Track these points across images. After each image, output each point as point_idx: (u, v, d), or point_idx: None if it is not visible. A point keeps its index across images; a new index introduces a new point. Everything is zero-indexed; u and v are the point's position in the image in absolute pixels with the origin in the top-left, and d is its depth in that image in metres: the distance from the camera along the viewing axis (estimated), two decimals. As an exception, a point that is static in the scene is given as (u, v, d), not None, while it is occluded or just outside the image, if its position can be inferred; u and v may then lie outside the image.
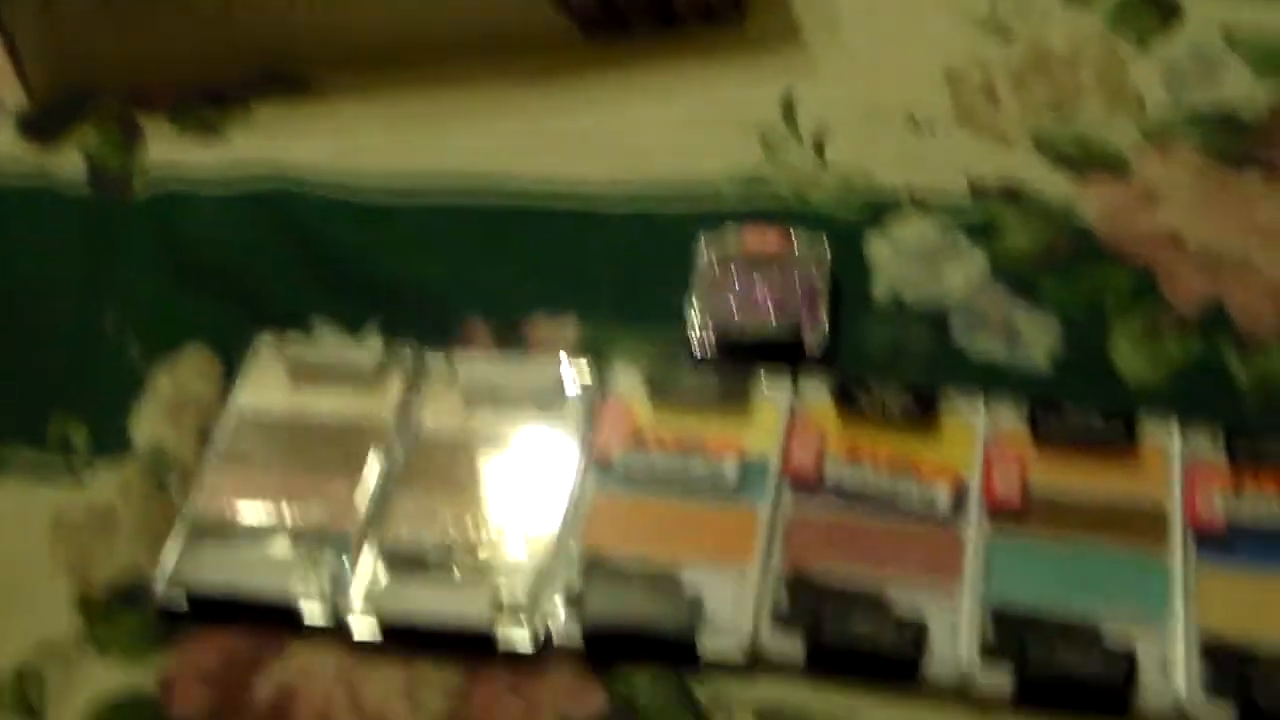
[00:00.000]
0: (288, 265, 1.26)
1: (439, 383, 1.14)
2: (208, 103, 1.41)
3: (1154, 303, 1.19)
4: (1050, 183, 1.30)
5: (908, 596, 1.00)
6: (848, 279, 1.22)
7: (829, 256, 1.21)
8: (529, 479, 1.08)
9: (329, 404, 1.13)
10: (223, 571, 1.02)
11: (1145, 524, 1.03)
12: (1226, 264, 1.21)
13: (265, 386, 1.14)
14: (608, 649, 0.99)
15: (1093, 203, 1.28)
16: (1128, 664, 0.95)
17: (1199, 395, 1.13)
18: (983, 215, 1.27)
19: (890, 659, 0.97)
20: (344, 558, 1.03)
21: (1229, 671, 0.95)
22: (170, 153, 1.37)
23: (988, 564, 1.02)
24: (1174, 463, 1.06)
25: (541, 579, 1.02)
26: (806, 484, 1.06)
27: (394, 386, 1.13)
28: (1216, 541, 1.02)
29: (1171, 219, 1.26)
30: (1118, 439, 1.07)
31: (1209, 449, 1.07)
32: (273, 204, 1.31)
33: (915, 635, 0.97)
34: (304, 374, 1.14)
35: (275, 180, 1.33)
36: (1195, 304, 1.19)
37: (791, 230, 1.23)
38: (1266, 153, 1.31)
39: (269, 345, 1.17)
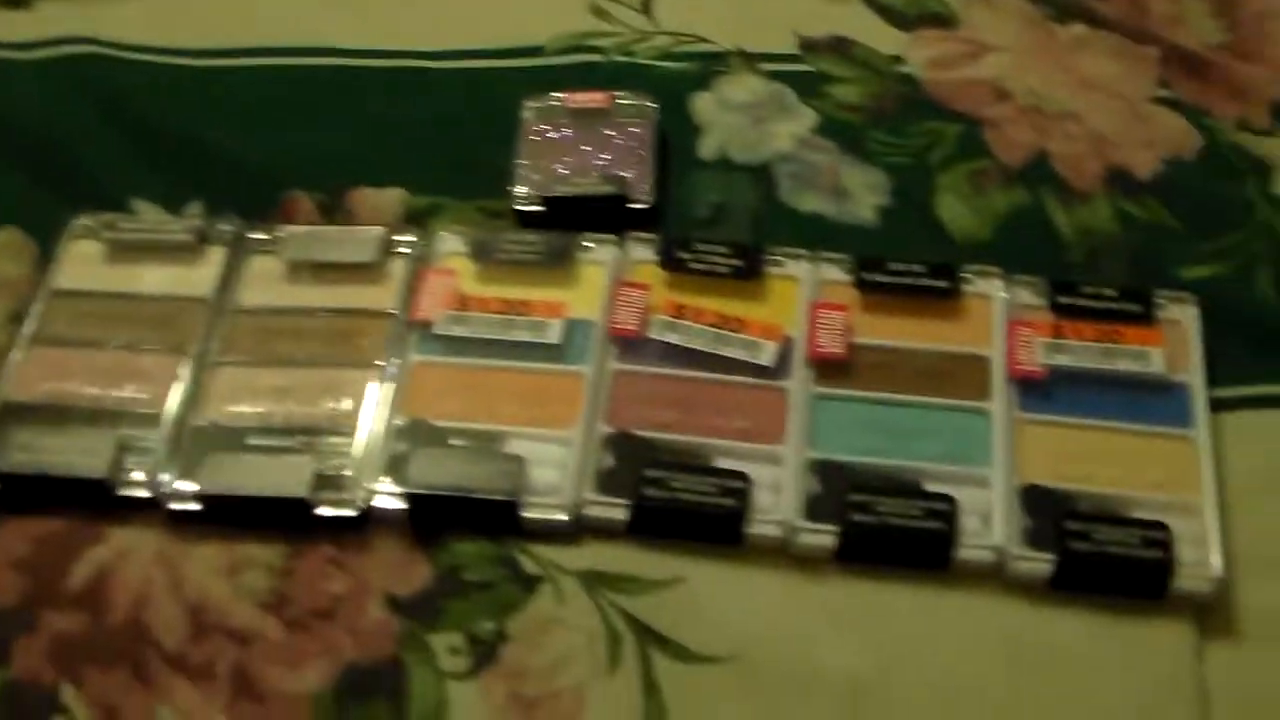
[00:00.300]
0: (103, 137, 1.23)
1: (260, 256, 1.12)
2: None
3: (979, 155, 1.19)
4: (879, 36, 1.30)
5: (733, 455, 1.01)
6: (676, 137, 1.21)
7: (656, 115, 1.20)
8: (351, 349, 1.06)
9: (147, 281, 1.11)
10: (36, 453, 1.00)
11: (968, 375, 1.04)
12: (1051, 115, 1.22)
13: (81, 266, 1.12)
14: (432, 518, 0.99)
15: (920, 55, 1.27)
16: (949, 516, 0.96)
17: (1022, 246, 1.14)
18: (811, 71, 1.27)
19: (714, 519, 0.97)
20: (163, 436, 1.02)
21: (1048, 520, 0.96)
22: (-25, 26, 1.33)
23: (812, 419, 1.02)
24: (997, 313, 1.07)
25: (364, 449, 1.01)
26: (631, 344, 1.06)
27: (214, 261, 1.11)
28: (1037, 390, 1.03)
29: (997, 71, 1.26)
30: (941, 291, 1.07)
31: (1031, 299, 1.08)
32: (86, 74, 1.28)
33: (740, 494, 0.97)
34: (121, 252, 1.12)
35: (88, 49, 1.30)
36: (1020, 156, 1.19)
37: (618, 89, 1.21)
38: (1091, 4, 1.31)
39: (85, 224, 1.14)
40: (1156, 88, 1.25)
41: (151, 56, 1.29)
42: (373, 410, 1.03)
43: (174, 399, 1.03)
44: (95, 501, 1.00)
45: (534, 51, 1.29)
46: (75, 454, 1.00)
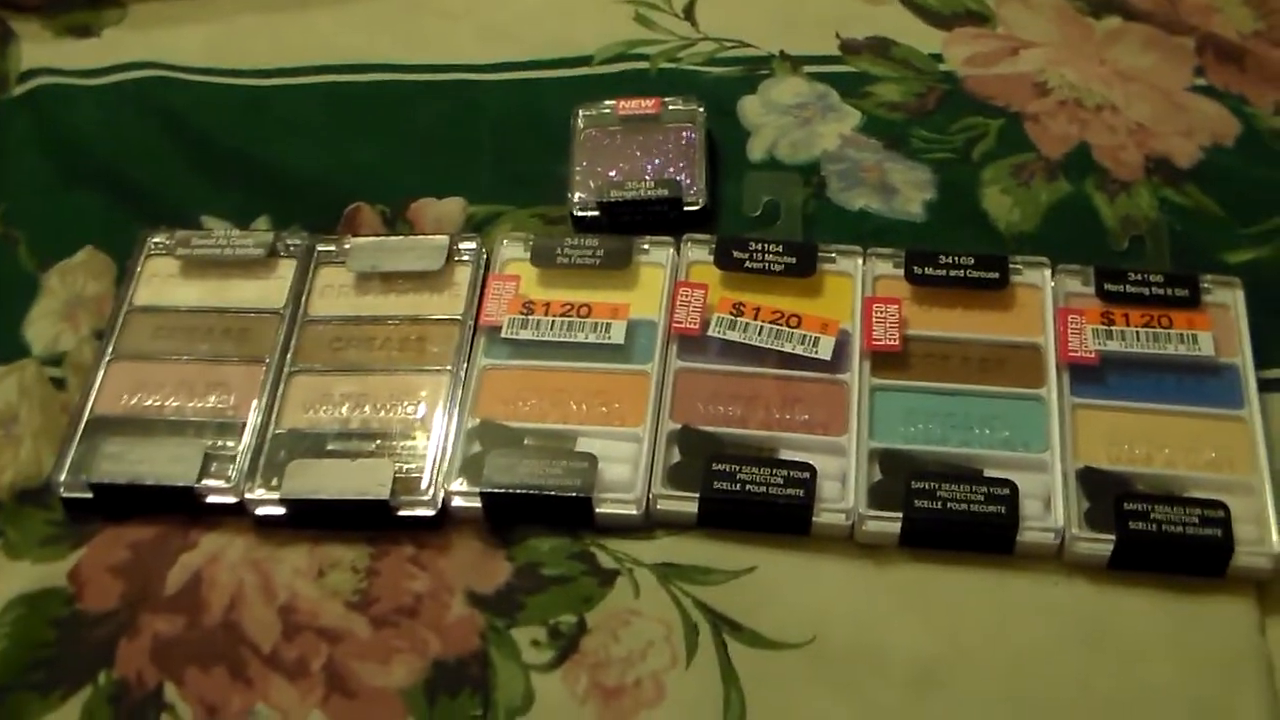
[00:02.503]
0: (172, 158, 1.26)
1: (328, 267, 1.15)
2: (80, 2, 1.40)
3: (1021, 149, 1.22)
4: (917, 35, 1.32)
5: (797, 446, 1.03)
6: (724, 141, 1.24)
7: (704, 118, 1.23)
8: (421, 355, 1.09)
9: (221, 295, 1.14)
10: (125, 464, 1.03)
11: (1021, 363, 1.07)
12: (1090, 108, 1.24)
13: (157, 282, 1.15)
14: (508, 516, 1.02)
15: (959, 53, 1.30)
16: (1010, 502, 0.98)
17: (1068, 236, 1.16)
18: (853, 71, 1.30)
19: (782, 509, 0.99)
20: (244, 444, 1.05)
21: (1107, 502, 0.98)
22: (45, 54, 1.36)
23: (871, 410, 1.05)
24: (1046, 302, 1.09)
25: (438, 451, 1.04)
26: (692, 342, 1.08)
27: (284, 274, 1.14)
28: (1089, 376, 1.05)
29: (1035, 65, 1.29)
30: (991, 282, 1.10)
31: (1079, 288, 1.10)
32: (152, 97, 1.31)
33: (806, 485, 0.99)
34: (195, 267, 1.15)
35: (153, 74, 1.33)
36: (1061, 148, 1.21)
37: (666, 95, 1.24)
38: (1125, -5, 1.34)
39: (159, 241, 1.17)
40: (1193, 76, 1.27)
41: (213, 78, 1.33)
42: (445, 413, 1.06)
43: (254, 408, 1.07)
44: (184, 508, 1.03)
45: (583, 61, 1.32)
46: (164, 463, 1.03)
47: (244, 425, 1.06)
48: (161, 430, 1.06)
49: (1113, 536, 0.97)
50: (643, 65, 1.31)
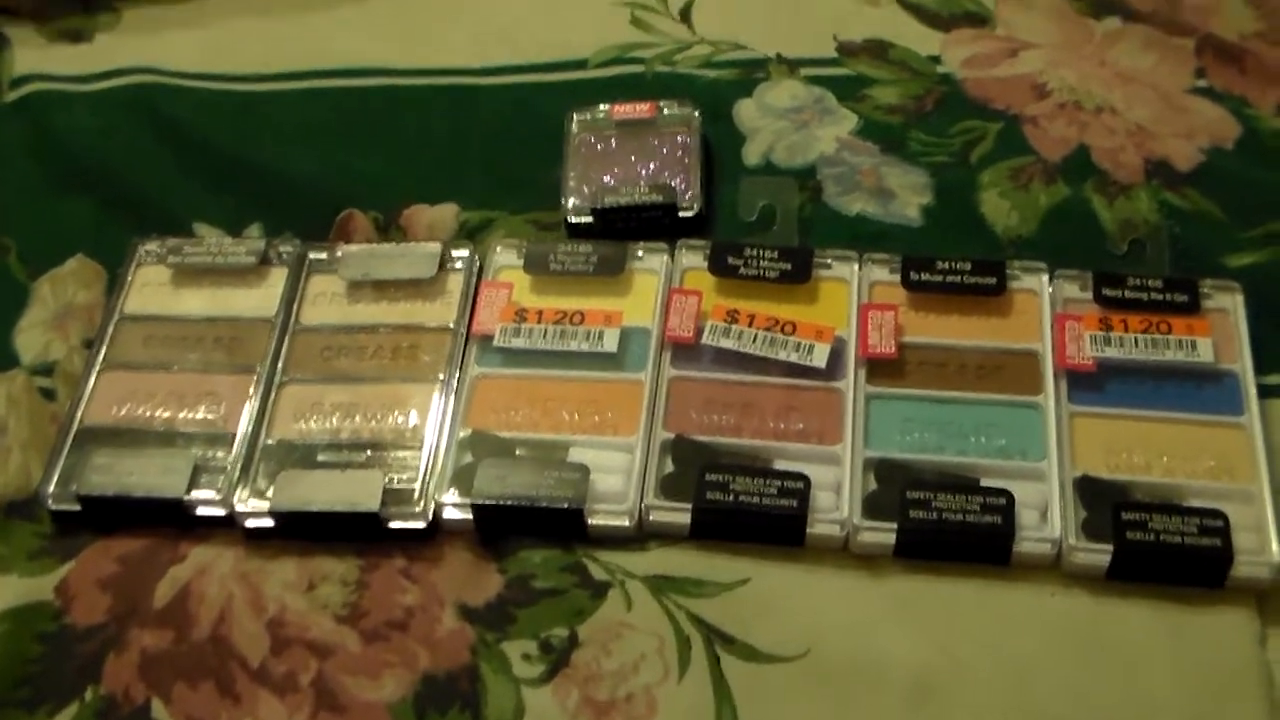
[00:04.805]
0: (164, 164, 1.26)
1: (320, 275, 1.14)
2: (74, 8, 1.39)
3: (1020, 151, 1.21)
4: (915, 37, 1.31)
5: (791, 456, 1.02)
6: (720, 144, 1.23)
7: (700, 123, 1.22)
8: (413, 364, 1.09)
9: (212, 304, 1.13)
10: (114, 475, 1.02)
11: (1018, 370, 1.06)
12: (1089, 110, 1.23)
13: (148, 290, 1.15)
14: (499, 528, 1.01)
15: (957, 55, 1.29)
16: (1007, 511, 0.97)
17: (1067, 241, 1.15)
18: (850, 74, 1.29)
19: (776, 520, 0.98)
20: (236, 455, 1.04)
21: (1105, 511, 0.97)
22: (39, 60, 1.36)
23: (867, 418, 1.04)
24: (1044, 308, 1.08)
25: (429, 462, 1.03)
26: (686, 350, 1.07)
27: (276, 282, 1.14)
28: (1087, 383, 1.04)
29: (1034, 67, 1.28)
30: (988, 288, 1.09)
31: (1077, 293, 1.09)
32: (145, 103, 1.30)
33: (800, 495, 0.98)
34: (187, 275, 1.15)
35: (145, 79, 1.33)
36: (1060, 150, 1.20)
37: (662, 99, 1.23)
38: (1125, -2, 1.33)
39: (150, 249, 1.16)
40: (1193, 78, 1.26)
41: (206, 83, 1.32)
42: (437, 423, 1.05)
43: (245, 418, 1.06)
44: (173, 520, 1.02)
45: (578, 65, 1.31)
46: (153, 475, 1.02)
47: (234, 436, 1.05)
48: (151, 441, 1.06)
49: (1110, 546, 0.96)
50: (638, 69, 1.30)
